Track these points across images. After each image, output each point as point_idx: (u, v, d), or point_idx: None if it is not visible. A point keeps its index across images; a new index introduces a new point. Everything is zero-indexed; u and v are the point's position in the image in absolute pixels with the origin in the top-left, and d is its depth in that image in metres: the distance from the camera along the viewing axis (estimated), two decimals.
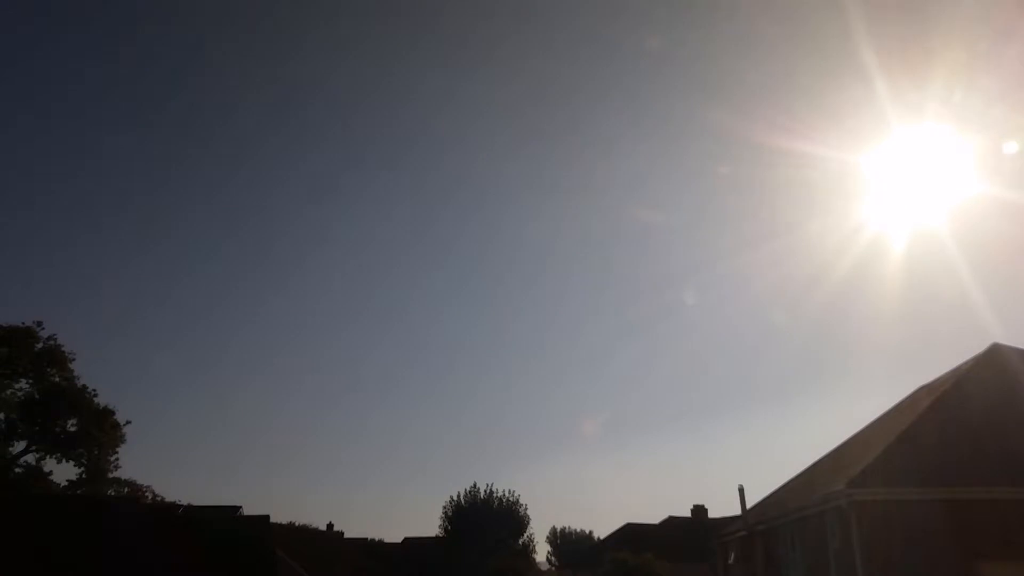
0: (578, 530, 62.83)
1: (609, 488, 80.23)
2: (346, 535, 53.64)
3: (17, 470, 34.87)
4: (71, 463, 35.47)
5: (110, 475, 36.91)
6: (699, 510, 50.91)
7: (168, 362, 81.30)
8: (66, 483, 35.77)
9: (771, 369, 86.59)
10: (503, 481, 79.72)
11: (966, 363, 21.02)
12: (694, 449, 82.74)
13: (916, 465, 16.29)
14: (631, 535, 47.49)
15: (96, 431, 35.20)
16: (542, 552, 59.06)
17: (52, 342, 35.36)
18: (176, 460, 69.60)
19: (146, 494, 38.99)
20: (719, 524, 34.15)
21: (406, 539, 55.71)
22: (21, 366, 34.72)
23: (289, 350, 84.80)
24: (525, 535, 53.39)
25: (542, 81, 63.49)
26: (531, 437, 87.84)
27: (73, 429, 35.24)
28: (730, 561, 26.21)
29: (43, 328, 35.21)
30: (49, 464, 35.36)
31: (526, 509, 53.33)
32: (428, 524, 67.20)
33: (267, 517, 26.47)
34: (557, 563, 59.94)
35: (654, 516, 52.76)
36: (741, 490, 23.46)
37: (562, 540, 61.78)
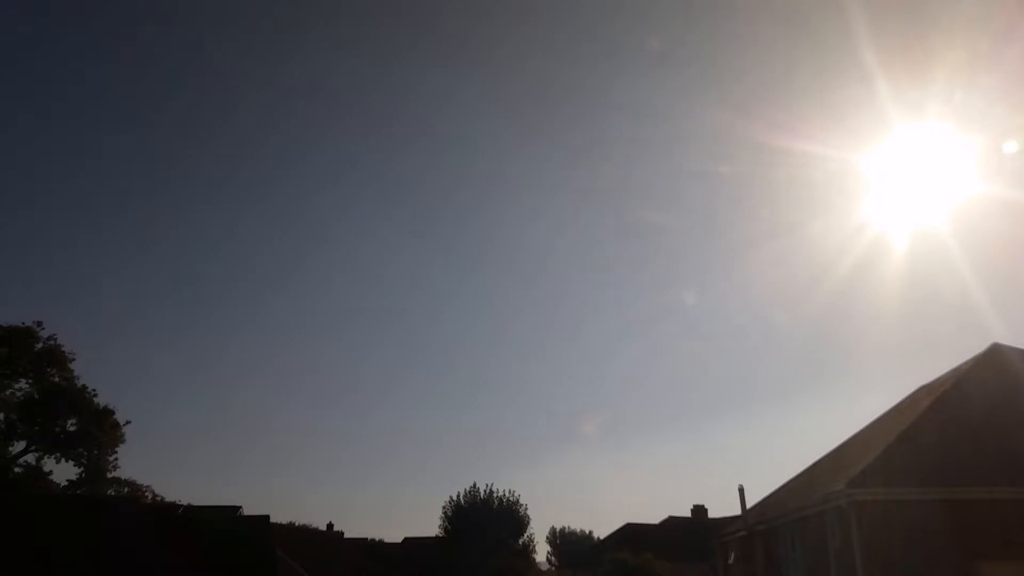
0: (578, 530, 62.96)
1: (609, 488, 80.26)
2: (346, 535, 53.64)
3: (17, 470, 34.88)
4: (71, 463, 35.51)
5: (110, 475, 36.93)
6: (699, 510, 50.88)
7: (168, 362, 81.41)
8: (66, 483, 35.79)
9: (771, 369, 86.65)
10: (503, 481, 79.75)
11: (966, 363, 21.02)
12: (694, 449, 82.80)
13: (916, 465, 16.29)
14: (631, 535, 47.47)
15: (96, 431, 35.20)
16: (542, 552, 59.17)
17: (52, 342, 35.40)
18: (176, 460, 69.67)
19: (146, 494, 38.99)
20: (719, 524, 34.14)
21: (406, 539, 55.71)
22: (21, 366, 34.72)
23: (289, 350, 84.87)
24: (525, 535, 53.46)
25: (542, 81, 63.58)
26: (531, 437, 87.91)
27: (73, 429, 35.25)
28: (730, 561, 26.20)
29: (43, 328, 35.27)
30: (49, 464, 35.43)
31: (526, 509, 53.42)
32: (428, 524, 67.22)
33: (267, 517, 26.47)
34: (557, 563, 59.96)
35: (654, 516, 52.80)
36: (741, 490, 23.49)
37: (562, 540, 61.81)
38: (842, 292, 59.24)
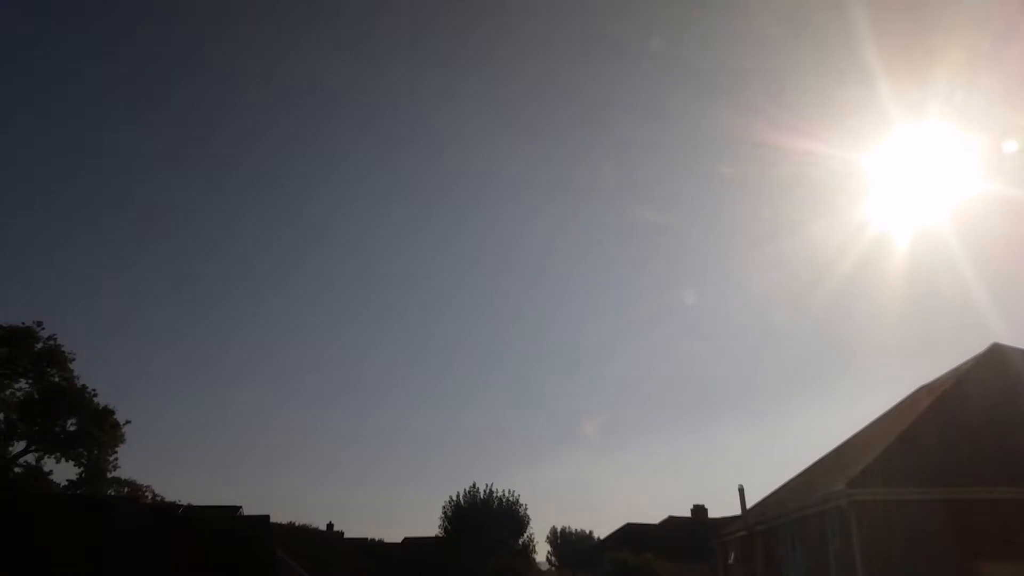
0: (578, 530, 62.92)
1: (609, 488, 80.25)
2: (346, 535, 53.65)
3: (17, 470, 34.89)
4: (71, 463, 35.53)
5: (110, 475, 36.95)
6: (699, 510, 50.89)
7: (168, 362, 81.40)
8: (66, 483, 35.81)
9: (771, 369, 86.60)
10: (503, 481, 79.73)
11: (966, 363, 21.02)
12: (694, 449, 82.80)
13: (916, 465, 16.29)
14: (631, 535, 47.47)
15: (96, 431, 35.22)
16: (542, 552, 59.14)
17: (52, 342, 35.40)
18: (176, 460, 69.67)
19: (146, 494, 39.01)
20: (719, 524, 34.14)
21: (406, 539, 55.72)
22: (21, 366, 34.73)
23: (289, 350, 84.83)
24: (525, 535, 53.45)
25: (543, 81, 63.60)
26: (531, 437, 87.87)
27: (73, 429, 35.26)
28: (730, 561, 26.21)
29: (43, 328, 35.28)
30: (49, 464, 35.44)
31: (526, 509, 53.42)
32: (428, 524, 67.17)
33: (267, 517, 26.48)
34: (557, 563, 59.95)
35: (654, 516, 52.81)
36: (741, 490, 23.49)
37: (562, 540, 61.79)
38: (842, 292, 59.32)
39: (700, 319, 75.98)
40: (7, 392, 34.73)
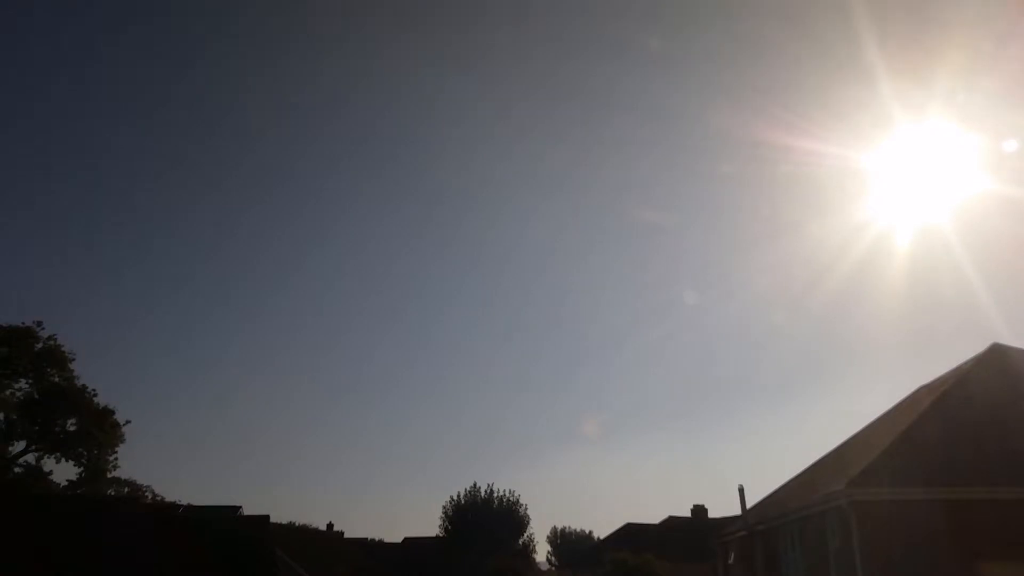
0: (578, 530, 62.94)
1: (609, 488, 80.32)
2: (346, 535, 53.73)
3: (17, 470, 34.90)
4: (71, 463, 35.57)
5: (110, 475, 37.00)
6: (699, 510, 50.92)
7: (168, 362, 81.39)
8: (66, 483, 35.84)
9: (772, 369, 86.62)
10: (503, 481, 79.76)
11: (967, 363, 21.01)
12: (694, 449, 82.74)
13: (917, 465, 16.28)
14: (631, 535, 47.50)
15: (96, 431, 35.23)
16: (542, 552, 59.17)
17: (52, 342, 35.42)
18: (176, 460, 69.72)
19: (146, 494, 39.07)
20: (719, 524, 34.13)
21: (406, 539, 55.78)
22: (21, 366, 34.75)
23: (289, 350, 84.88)
24: (525, 535, 53.50)
25: (543, 80, 63.57)
26: (531, 437, 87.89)
27: (73, 429, 35.29)
28: (730, 561, 26.19)
29: (43, 328, 35.32)
30: (49, 464, 35.48)
31: (526, 509, 53.47)
32: (428, 524, 67.27)
33: (267, 517, 26.50)
34: (557, 563, 59.96)
35: (654, 516, 52.84)
36: (741, 490, 23.47)
37: (562, 540, 61.79)
38: (843, 292, 59.24)
39: (700, 319, 75.93)
40: (7, 392, 34.74)
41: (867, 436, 22.12)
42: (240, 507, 32.18)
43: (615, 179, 73.12)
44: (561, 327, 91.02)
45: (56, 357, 35.40)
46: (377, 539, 56.78)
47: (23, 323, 34.95)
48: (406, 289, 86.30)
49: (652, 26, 49.88)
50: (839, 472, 18.59)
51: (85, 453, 35.48)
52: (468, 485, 53.69)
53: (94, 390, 36.22)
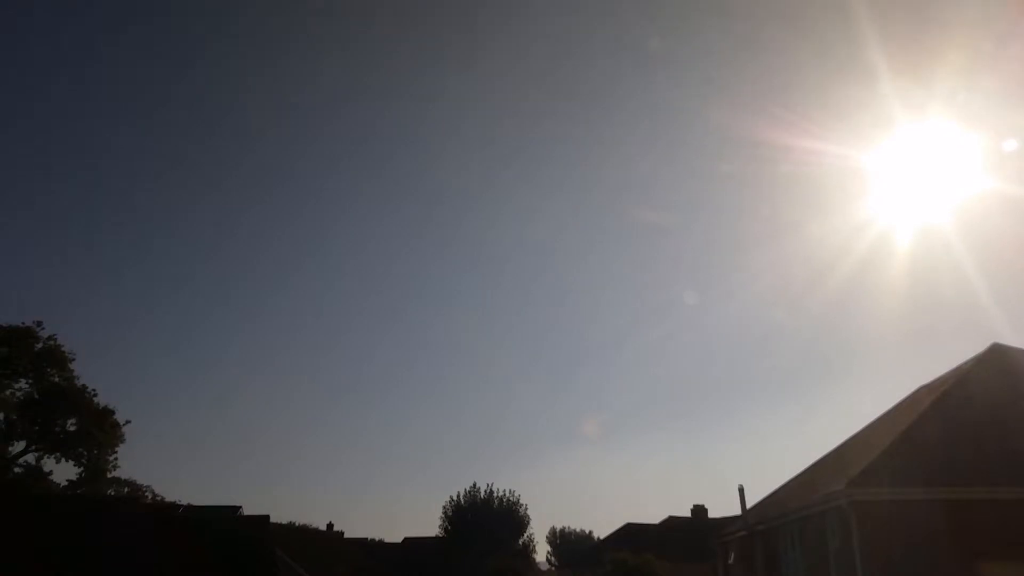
0: (578, 530, 62.99)
1: (609, 488, 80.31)
2: (346, 535, 53.71)
3: (17, 470, 34.91)
4: (71, 463, 35.59)
5: (110, 475, 37.02)
6: (699, 510, 50.92)
7: (168, 362, 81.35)
8: (66, 483, 35.85)
9: (772, 369, 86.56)
10: (503, 481, 79.77)
11: (967, 362, 21.01)
12: (694, 449, 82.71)
13: (917, 465, 16.27)
14: (631, 535, 47.51)
15: (96, 431, 35.25)
16: (542, 552, 59.17)
17: (52, 342, 35.43)
18: (176, 460, 69.69)
19: (146, 494, 39.08)
20: (719, 524, 34.13)
21: (406, 539, 55.77)
22: (21, 366, 34.75)
23: (289, 350, 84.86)
24: (525, 535, 53.50)
25: (542, 80, 63.50)
26: (531, 437, 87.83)
27: (73, 429, 35.30)
28: (730, 561, 26.18)
29: (43, 328, 35.33)
30: (49, 464, 35.51)
31: (526, 509, 53.47)
32: (428, 524, 67.21)
33: (267, 517, 26.51)
34: (557, 563, 59.96)
35: (654, 516, 52.84)
36: (741, 490, 23.46)
37: (562, 540, 61.82)
38: (843, 291, 59.21)
39: (700, 319, 75.86)
40: (7, 392, 34.75)
41: (867, 436, 22.11)
42: (240, 507, 32.17)
43: (615, 179, 73.18)
44: (561, 327, 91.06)
45: (56, 357, 35.41)
46: (377, 539, 56.82)
47: (23, 323, 35.01)
48: (406, 289, 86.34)
49: (652, 25, 49.88)
50: (839, 472, 18.59)
51: (85, 453, 35.49)
52: (468, 485, 53.79)
53: (94, 390, 36.29)
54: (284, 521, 45.40)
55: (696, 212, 73.12)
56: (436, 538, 52.56)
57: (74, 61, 63.54)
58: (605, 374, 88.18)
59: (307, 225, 78.29)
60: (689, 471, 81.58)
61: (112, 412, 36.18)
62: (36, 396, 35.07)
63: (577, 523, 63.90)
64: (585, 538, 61.31)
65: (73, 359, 35.99)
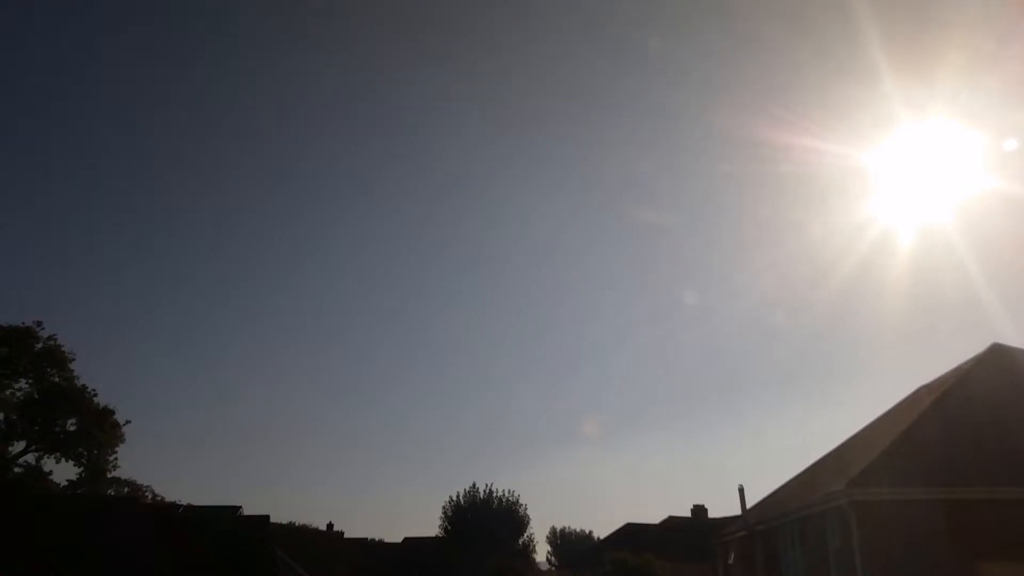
0: (578, 530, 62.94)
1: (609, 488, 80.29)
2: (346, 535, 53.70)
3: (17, 470, 34.91)
4: (71, 463, 35.57)
5: (110, 475, 37.01)
6: (699, 510, 50.91)
7: (168, 362, 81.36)
8: (66, 483, 35.85)
9: (772, 369, 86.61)
10: (503, 481, 79.77)
11: (967, 362, 21.01)
12: (694, 449, 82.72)
13: (917, 465, 16.27)
14: (631, 535, 47.51)
15: (96, 431, 35.24)
16: (542, 552, 59.15)
17: (52, 342, 35.42)
18: (176, 460, 69.66)
19: (146, 494, 39.07)
20: (719, 524, 34.12)
21: (406, 539, 55.76)
22: (21, 366, 34.75)
23: (289, 350, 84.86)
24: (525, 535, 53.49)
25: (542, 79, 63.52)
26: (531, 437, 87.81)
27: (73, 429, 35.29)
28: (730, 561, 26.18)
29: (43, 328, 35.32)
30: (49, 464, 35.50)
31: (526, 509, 53.46)
32: (428, 524, 67.16)
33: (267, 517, 26.51)
34: (557, 563, 59.95)
35: (654, 516, 52.83)
36: (741, 490, 23.47)
37: (562, 540, 61.79)
38: (844, 291, 59.13)
39: (700, 319, 75.87)
40: (7, 392, 34.75)
41: (867, 436, 22.11)
42: (240, 507, 32.18)
43: (615, 178, 73.19)
44: (561, 327, 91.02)
45: (56, 357, 35.40)
46: (377, 539, 56.80)
47: (23, 323, 35.00)
48: (406, 289, 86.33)
49: (652, 25, 49.91)
50: (839, 472, 18.58)
51: (85, 453, 35.49)
52: (468, 485, 53.77)
53: (94, 390, 36.28)
54: (284, 521, 45.44)
55: (696, 212, 73.21)
56: (436, 538, 52.55)
57: (74, 61, 63.59)
58: (605, 374, 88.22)
59: (307, 225, 78.33)
60: (689, 471, 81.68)
61: (112, 412, 36.20)
62: (36, 396, 35.06)
63: (577, 523, 63.94)
64: (585, 538, 61.29)
65: (73, 359, 36.03)
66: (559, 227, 78.47)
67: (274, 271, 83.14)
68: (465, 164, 73.44)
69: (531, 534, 53.91)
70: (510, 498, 53.10)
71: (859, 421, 25.20)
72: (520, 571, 44.08)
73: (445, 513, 52.92)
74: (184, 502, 35.49)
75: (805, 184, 52.41)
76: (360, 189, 76.79)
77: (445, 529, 52.59)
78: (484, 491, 53.09)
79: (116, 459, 36.69)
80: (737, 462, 73.07)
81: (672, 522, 50.41)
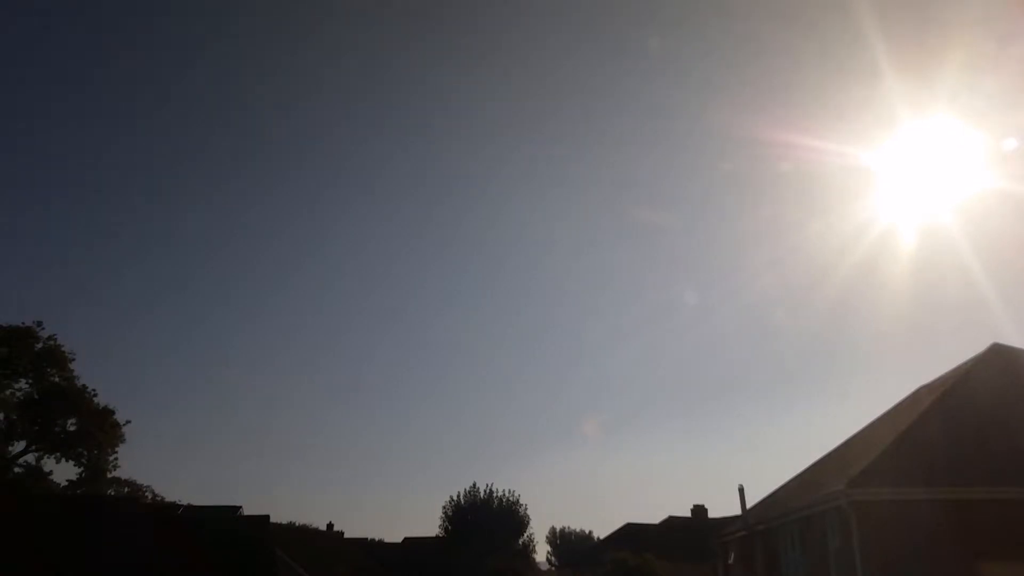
0: (578, 530, 62.89)
1: (609, 488, 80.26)
2: (346, 535, 53.67)
3: (17, 470, 34.90)
4: (71, 463, 35.57)
5: (110, 475, 36.99)
6: (699, 510, 50.86)
7: (168, 362, 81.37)
8: (66, 483, 35.83)
9: (773, 368, 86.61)
10: (503, 481, 79.72)
11: (967, 362, 21.01)
12: (694, 449, 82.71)
13: (917, 465, 16.27)
14: (631, 535, 47.47)
15: (96, 431, 35.23)
16: (542, 552, 59.12)
17: (52, 342, 35.42)
18: (176, 460, 69.64)
19: (146, 494, 39.05)
20: (719, 524, 34.12)
21: (406, 539, 55.72)
22: (21, 366, 34.74)
23: (289, 350, 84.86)
24: (525, 535, 53.44)
25: (542, 79, 63.58)
26: (531, 437, 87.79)
27: (73, 429, 35.29)
28: (730, 561, 26.18)
29: (43, 328, 35.32)
30: (49, 464, 35.49)
31: (526, 509, 53.41)
32: (428, 524, 67.19)
33: (267, 517, 26.52)
34: (557, 563, 59.93)
35: (654, 516, 52.79)
36: (741, 490, 23.46)
37: (562, 540, 61.75)
38: (845, 290, 59.22)
39: (700, 318, 75.86)
40: (7, 392, 34.74)
41: (867, 436, 22.11)
42: (240, 507, 32.13)
43: (615, 178, 73.17)
44: (561, 327, 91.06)
45: (56, 357, 35.39)
46: (377, 539, 56.75)
47: (23, 323, 35.00)
48: (406, 289, 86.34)
49: (652, 25, 49.92)
50: (839, 472, 18.58)
51: (85, 453, 35.47)
52: (468, 485, 53.72)
53: (94, 390, 36.27)
54: (284, 521, 45.43)
55: (697, 211, 73.24)
56: (436, 538, 52.52)
57: (74, 61, 63.62)
58: (605, 374, 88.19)
59: (307, 225, 78.37)
60: (689, 471, 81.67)
61: (112, 412, 36.19)
62: (36, 396, 35.05)
63: (577, 523, 63.86)
64: (585, 538, 61.24)
65: (73, 359, 36.03)
66: (559, 227, 78.55)
67: (274, 271, 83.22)
68: (465, 164, 73.49)
69: (531, 534, 53.94)
70: (510, 498, 53.11)
71: (859, 421, 25.22)
72: (520, 571, 44.08)
73: (445, 513, 52.92)
74: (184, 502, 35.47)
75: (805, 183, 52.52)
76: (360, 189, 76.88)
77: (445, 529, 52.57)
78: (484, 491, 53.10)
79: (116, 459, 36.74)
80: (737, 462, 73.09)
81: (672, 522, 50.37)
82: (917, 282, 50.36)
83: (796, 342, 77.96)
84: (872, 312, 59.64)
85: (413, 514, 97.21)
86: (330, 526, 54.47)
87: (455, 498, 53.03)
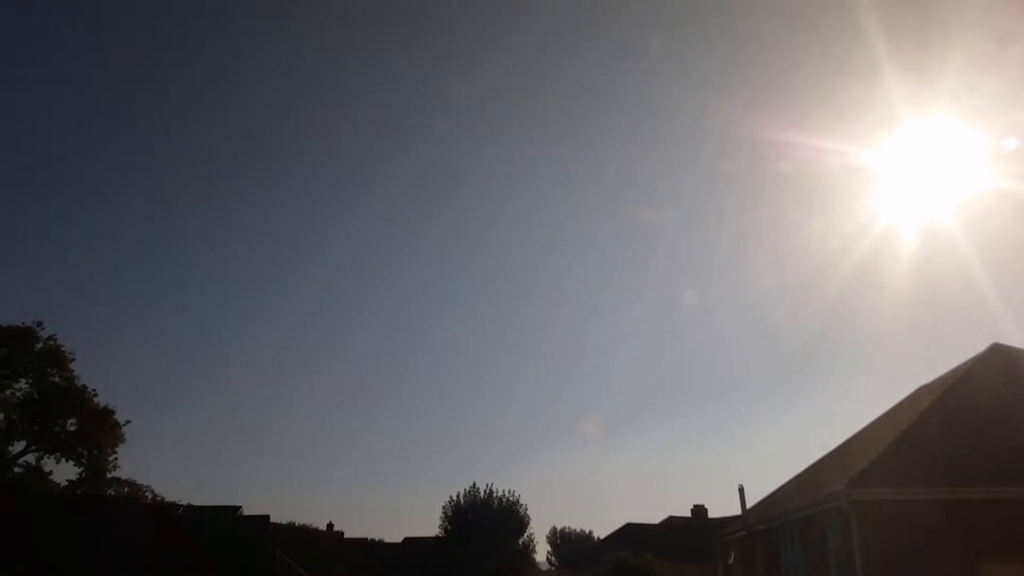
0: (578, 530, 62.92)
1: (609, 488, 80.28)
2: (346, 535, 53.66)
3: (17, 470, 34.89)
4: (71, 463, 35.55)
5: (110, 475, 36.98)
6: (699, 510, 50.86)
7: (168, 362, 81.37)
8: (66, 483, 35.82)
9: (773, 368, 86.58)
10: (503, 481, 79.81)
11: (967, 362, 21.01)
12: (694, 449, 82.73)
13: (917, 465, 16.27)
14: (631, 535, 47.47)
15: (96, 431, 35.22)
16: (542, 552, 59.13)
17: (52, 342, 35.40)
18: (176, 460, 69.62)
19: (146, 494, 39.04)
20: (719, 524, 34.11)
21: (406, 539, 55.71)
22: (21, 366, 34.73)
23: (289, 350, 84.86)
24: (525, 535, 53.45)
25: (543, 79, 63.58)
26: (531, 437, 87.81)
27: (73, 429, 35.27)
28: (730, 561, 26.19)
29: (43, 328, 35.29)
30: (49, 464, 35.47)
31: (526, 509, 53.42)
32: (428, 524, 67.19)
33: (267, 517, 26.52)
34: (557, 563, 59.94)
35: (654, 516, 52.79)
36: (741, 490, 23.44)
37: (562, 540, 61.78)
38: (845, 290, 59.16)
39: (700, 318, 75.87)
40: (7, 392, 34.73)
41: (867, 436, 22.11)
42: (240, 507, 32.13)
43: (615, 178, 73.20)
44: (561, 327, 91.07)
45: (56, 357, 35.38)
46: (377, 539, 56.74)
47: (23, 323, 34.97)
48: (406, 289, 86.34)
49: (652, 25, 49.92)
50: (839, 472, 18.58)
51: (85, 453, 35.46)
52: (468, 485, 53.73)
53: (94, 390, 36.24)
54: (284, 521, 45.44)
55: (697, 211, 73.24)
56: (436, 538, 52.52)
57: (74, 61, 63.61)
58: (605, 374, 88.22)
59: (307, 225, 78.36)
60: (689, 471, 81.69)
61: (112, 412, 36.17)
62: (36, 396, 35.04)
63: (577, 523, 63.91)
64: (585, 538, 61.26)
65: (73, 359, 36.00)
66: (559, 227, 78.60)
67: (274, 271, 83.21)
68: (465, 164, 73.50)
69: (531, 534, 53.95)
70: (510, 498, 53.11)
71: (859, 421, 25.21)
72: (520, 571, 44.09)
73: (445, 513, 52.92)
74: (184, 502, 35.47)
75: (806, 183, 52.53)
76: (360, 189, 76.89)
77: (445, 529, 52.57)
78: (484, 491, 53.10)
79: (116, 459, 36.71)
80: (737, 462, 73.14)
81: (672, 522, 50.36)
82: (917, 282, 50.30)
83: (796, 342, 78.03)
84: (872, 312, 59.68)
85: (413, 514, 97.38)
86: (330, 526, 54.48)
87: (455, 498, 53.09)
